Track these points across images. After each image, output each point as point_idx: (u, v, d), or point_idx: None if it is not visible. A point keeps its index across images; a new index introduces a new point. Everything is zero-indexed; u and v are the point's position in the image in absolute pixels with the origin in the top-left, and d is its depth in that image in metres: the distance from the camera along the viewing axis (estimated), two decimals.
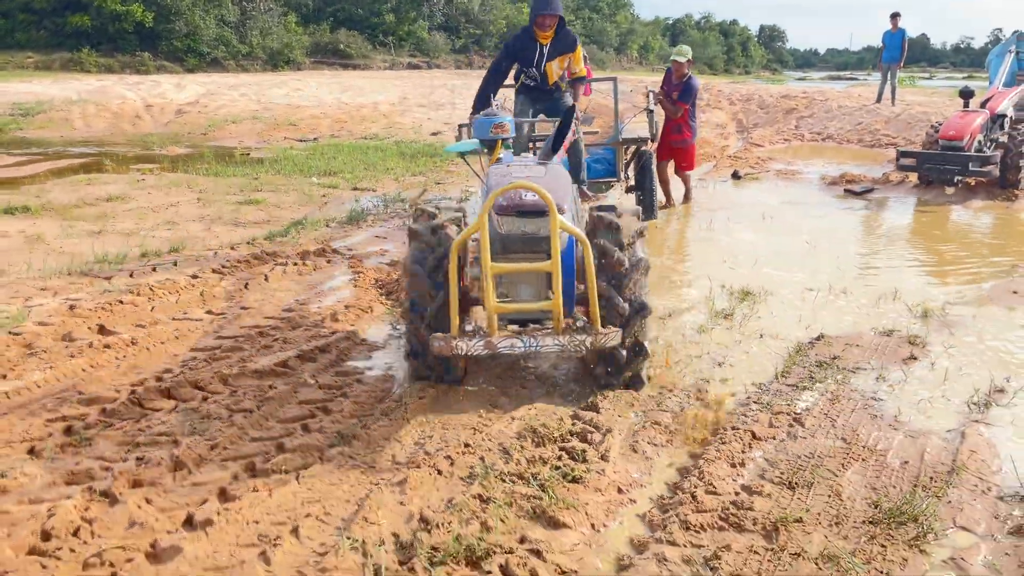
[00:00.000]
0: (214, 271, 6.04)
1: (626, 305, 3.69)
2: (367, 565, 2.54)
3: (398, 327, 4.95)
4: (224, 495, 2.96)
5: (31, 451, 3.29)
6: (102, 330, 4.70)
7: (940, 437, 3.61)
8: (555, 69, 6.78)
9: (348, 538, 2.66)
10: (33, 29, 39.75)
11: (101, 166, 12.28)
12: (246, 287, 5.75)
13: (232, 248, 6.94)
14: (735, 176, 12.05)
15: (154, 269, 6.15)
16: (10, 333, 4.54)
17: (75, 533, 2.69)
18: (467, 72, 38.61)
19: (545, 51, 6.68)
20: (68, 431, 3.47)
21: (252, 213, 8.62)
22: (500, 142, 3.90)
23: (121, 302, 5.17)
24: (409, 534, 2.70)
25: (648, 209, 8.28)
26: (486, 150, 4.52)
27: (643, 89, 9.76)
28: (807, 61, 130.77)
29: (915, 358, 4.57)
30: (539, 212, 3.50)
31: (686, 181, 9.61)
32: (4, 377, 4.05)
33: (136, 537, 2.68)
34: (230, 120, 18.41)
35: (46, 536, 2.67)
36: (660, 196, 8.94)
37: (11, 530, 2.72)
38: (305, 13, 47.96)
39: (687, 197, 9.56)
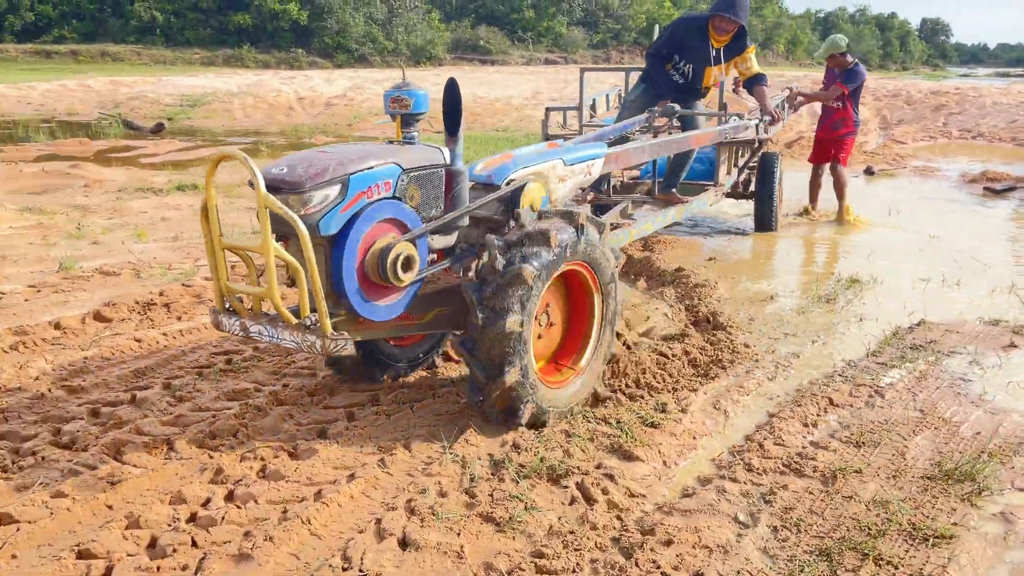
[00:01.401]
0: None
1: (482, 324, 3.11)
2: (464, 473, 3.00)
3: None
4: (351, 416, 3.51)
5: (199, 374, 3.97)
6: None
7: (1021, 415, 3.71)
8: (715, 75, 6.20)
9: (450, 452, 3.14)
10: (200, 27, 43.11)
11: (257, 152, 13.46)
12: None
13: None
14: (868, 172, 11.83)
15: None
16: (184, 285, 5.33)
17: (234, 435, 3.30)
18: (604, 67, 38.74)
19: (714, 55, 6.05)
20: (229, 361, 4.15)
21: None
22: (399, 117, 3.36)
23: None
24: (502, 454, 3.14)
25: (767, 221, 7.49)
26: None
27: (781, 86, 9.12)
28: (974, 56, 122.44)
29: (1015, 346, 4.61)
30: (285, 188, 2.88)
31: (840, 186, 8.09)
32: (179, 319, 4.81)
33: (281, 441, 3.26)
34: (373, 112, 19.52)
35: (212, 435, 3.29)
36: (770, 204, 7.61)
37: (185, 430, 3.37)
38: (448, 10, 49.42)
39: (840, 214, 8.11)
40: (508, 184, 3.60)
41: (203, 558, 2.47)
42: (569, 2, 51.42)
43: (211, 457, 3.13)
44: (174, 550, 2.51)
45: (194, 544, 2.55)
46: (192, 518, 2.71)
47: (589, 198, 6.31)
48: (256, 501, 2.80)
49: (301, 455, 3.14)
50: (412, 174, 3.19)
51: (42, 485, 2.89)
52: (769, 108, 6.61)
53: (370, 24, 43.72)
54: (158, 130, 16.34)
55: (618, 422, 3.48)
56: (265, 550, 2.49)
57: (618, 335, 4.44)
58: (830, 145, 8.18)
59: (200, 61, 38.26)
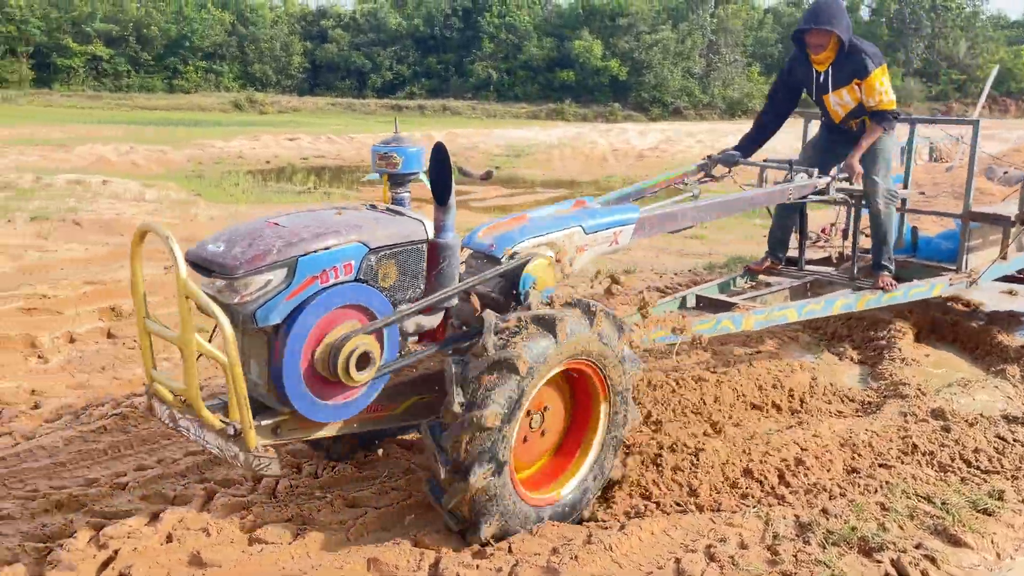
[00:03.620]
0: (658, 290, 6.85)
1: (459, 410, 2.68)
2: (767, 530, 2.95)
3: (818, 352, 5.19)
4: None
5: None
6: None
7: None
8: (835, 103, 4.88)
9: (755, 507, 3.10)
10: (528, 84, 46.71)
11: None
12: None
13: (675, 274, 7.75)
14: None
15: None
16: None
17: None
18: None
19: (821, 78, 4.83)
20: None
21: (696, 246, 9.38)
22: (386, 176, 3.00)
23: None
24: (809, 517, 3.04)
25: None
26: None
27: None
28: None
29: None
30: (216, 271, 2.53)
31: None
32: None
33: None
34: (685, 164, 19.74)
35: None
36: None
37: None
38: (769, 63, 48.49)
39: None
40: (512, 257, 3.13)
41: (515, 564, 2.69)
42: (906, 52, 48.01)
43: None
44: (491, 553, 2.76)
45: (509, 550, 2.79)
46: None
47: (765, 265, 5.39)
48: (563, 521, 2.99)
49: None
50: (383, 252, 2.75)
51: (387, 477, 3.34)
52: (854, 154, 4.72)
53: (687, 78, 44.31)
54: (487, 177, 17.73)
55: (944, 503, 3.19)
56: (569, 567, 2.65)
57: (943, 415, 4.08)
58: None
59: (526, 115, 41.35)
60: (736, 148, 5.02)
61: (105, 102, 40.81)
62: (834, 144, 5.05)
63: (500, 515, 2.76)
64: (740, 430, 3.95)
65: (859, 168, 4.74)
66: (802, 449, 3.64)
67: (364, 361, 2.66)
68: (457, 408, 2.67)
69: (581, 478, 3.07)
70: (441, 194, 2.95)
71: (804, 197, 4.63)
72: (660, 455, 3.49)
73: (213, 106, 41.77)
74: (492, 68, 47.62)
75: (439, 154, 2.90)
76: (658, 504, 3.21)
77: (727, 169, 4.87)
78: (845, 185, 4.76)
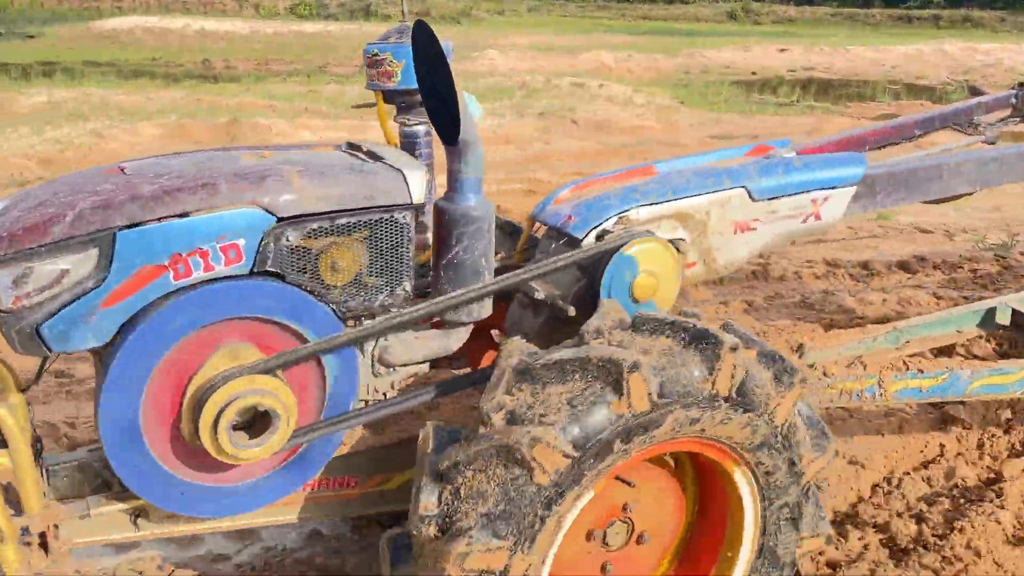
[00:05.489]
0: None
1: (431, 510, 1.60)
2: None
3: None
4: None
5: None
6: None
7: None
8: None
9: None
10: None
11: None
12: None
13: None
14: None
15: None
16: (997, 256, 5.10)
17: None
18: None
19: None
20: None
21: None
22: (380, 95, 1.88)
23: None
24: None
25: None
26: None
27: None
28: None
29: None
30: None
31: None
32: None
33: None
34: None
35: None
36: None
37: None
38: None
39: None
40: (602, 237, 1.93)
41: None
42: None
43: None
44: None
45: None
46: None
47: None
48: None
49: None
50: (311, 227, 1.68)
51: None
52: None
53: None
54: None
55: None
56: None
57: None
58: None
59: None
60: None
61: (612, 12, 43.81)
62: None
63: None
64: None
65: None
66: None
67: (263, 422, 1.66)
68: (429, 510, 1.59)
69: None
70: (445, 126, 1.75)
71: None
72: None
73: (708, 17, 42.15)
74: None
75: (424, 46, 1.72)
76: None
77: None
78: None
